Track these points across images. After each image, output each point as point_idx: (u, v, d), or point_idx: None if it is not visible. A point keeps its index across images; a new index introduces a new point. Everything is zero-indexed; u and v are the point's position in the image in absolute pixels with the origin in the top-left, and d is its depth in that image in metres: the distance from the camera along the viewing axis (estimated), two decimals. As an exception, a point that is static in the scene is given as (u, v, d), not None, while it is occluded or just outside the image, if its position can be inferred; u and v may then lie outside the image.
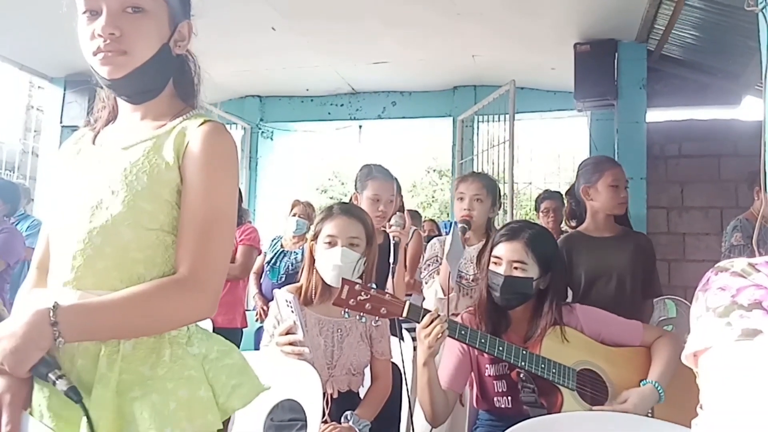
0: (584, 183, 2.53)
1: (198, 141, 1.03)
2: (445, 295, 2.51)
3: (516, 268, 1.84)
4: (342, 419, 1.82)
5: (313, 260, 1.97)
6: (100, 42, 1.00)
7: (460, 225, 2.54)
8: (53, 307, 0.90)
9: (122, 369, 0.96)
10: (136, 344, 0.98)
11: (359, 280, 1.71)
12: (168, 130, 1.06)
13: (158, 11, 1.05)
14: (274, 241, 4.11)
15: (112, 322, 0.94)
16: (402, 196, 3.10)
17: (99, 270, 0.99)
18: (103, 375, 0.94)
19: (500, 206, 2.80)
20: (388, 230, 2.51)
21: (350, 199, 2.71)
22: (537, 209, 4.44)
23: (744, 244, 3.24)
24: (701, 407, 0.85)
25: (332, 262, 1.90)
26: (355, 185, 2.72)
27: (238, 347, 3.47)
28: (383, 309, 1.68)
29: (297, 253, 3.89)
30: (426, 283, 2.70)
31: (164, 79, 1.10)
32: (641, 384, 1.75)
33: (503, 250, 1.87)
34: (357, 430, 1.79)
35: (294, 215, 4.08)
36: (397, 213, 2.60)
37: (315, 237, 1.98)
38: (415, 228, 2.99)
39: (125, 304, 0.95)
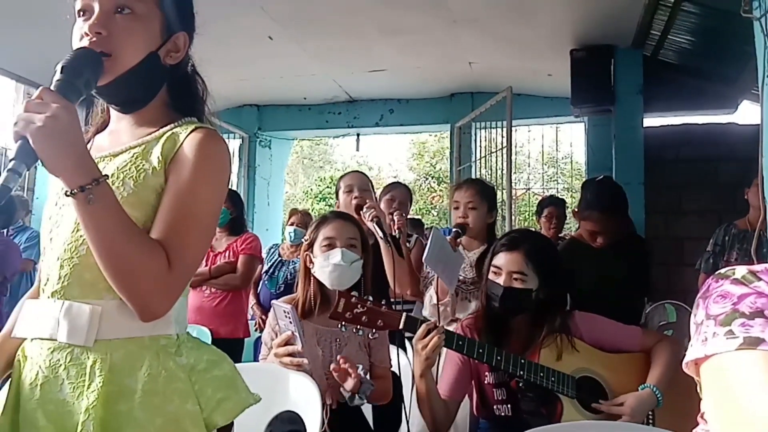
0: (579, 206, 2.56)
1: (189, 146, 1.01)
2: (439, 301, 2.51)
3: (516, 279, 1.83)
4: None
5: (307, 271, 1.96)
6: (86, 41, 0.99)
7: (453, 230, 2.54)
8: (105, 176, 0.91)
9: (108, 380, 0.94)
10: (124, 354, 0.96)
11: (355, 293, 1.70)
12: (157, 137, 1.04)
13: (150, 16, 1.04)
14: (272, 250, 4.10)
15: (117, 227, 0.91)
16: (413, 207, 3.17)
17: (86, 280, 0.97)
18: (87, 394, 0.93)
19: (497, 210, 2.78)
20: (366, 219, 2.47)
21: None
22: (539, 214, 4.44)
23: (711, 252, 3.29)
24: (702, 416, 0.84)
25: (333, 262, 1.89)
26: (336, 196, 2.79)
27: (241, 357, 3.41)
28: (380, 321, 1.67)
29: (295, 263, 3.88)
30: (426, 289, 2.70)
31: (153, 89, 1.09)
32: (640, 389, 1.74)
33: (503, 260, 1.86)
34: (361, 381, 1.77)
35: (292, 224, 4.09)
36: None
37: (309, 246, 1.97)
38: (417, 236, 2.98)
39: (134, 230, 0.93)
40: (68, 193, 0.88)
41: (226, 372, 1.06)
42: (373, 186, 2.75)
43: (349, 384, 1.75)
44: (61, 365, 0.96)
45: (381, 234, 2.38)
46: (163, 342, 1.00)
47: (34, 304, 1.04)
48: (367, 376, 1.81)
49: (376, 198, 2.68)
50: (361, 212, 2.50)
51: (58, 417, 0.95)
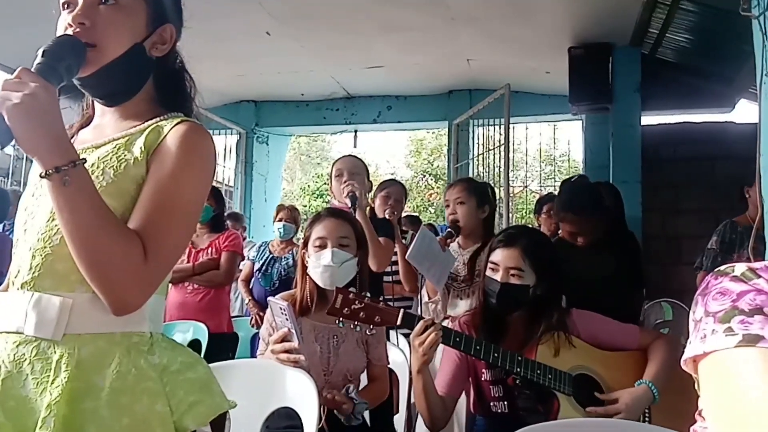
0: (555, 208, 2.56)
1: (173, 138, 0.99)
2: (430, 299, 2.52)
3: (513, 275, 1.83)
4: (343, 390, 1.81)
5: (304, 268, 1.96)
6: (70, 32, 0.98)
7: (447, 230, 2.55)
8: (83, 159, 0.89)
9: (74, 376, 0.90)
10: (94, 349, 0.93)
11: (353, 289, 1.70)
12: (141, 129, 1.02)
13: (134, 8, 1.03)
14: (262, 248, 4.10)
15: (92, 213, 0.89)
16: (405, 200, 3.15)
17: (58, 271, 0.94)
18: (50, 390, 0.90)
19: (494, 207, 2.75)
20: (346, 194, 2.45)
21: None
22: (538, 211, 4.44)
23: (717, 250, 3.27)
24: (700, 414, 0.84)
25: (323, 264, 1.89)
26: (330, 181, 2.75)
27: (233, 352, 3.39)
28: (377, 317, 1.67)
29: (287, 258, 3.89)
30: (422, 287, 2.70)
31: (137, 81, 1.07)
32: (636, 385, 1.74)
33: (500, 256, 1.86)
34: (354, 402, 1.79)
35: (280, 220, 4.08)
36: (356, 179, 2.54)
37: (305, 244, 1.98)
38: (412, 233, 2.99)
39: (110, 217, 0.91)
40: (43, 175, 0.86)
41: (201, 375, 1.02)
42: (367, 169, 2.69)
43: (343, 410, 1.78)
44: (25, 360, 0.92)
45: (351, 208, 2.36)
46: (135, 339, 0.96)
47: (1, 297, 1.00)
48: (356, 393, 1.83)
49: (370, 182, 2.65)
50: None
51: (17, 414, 0.90)
